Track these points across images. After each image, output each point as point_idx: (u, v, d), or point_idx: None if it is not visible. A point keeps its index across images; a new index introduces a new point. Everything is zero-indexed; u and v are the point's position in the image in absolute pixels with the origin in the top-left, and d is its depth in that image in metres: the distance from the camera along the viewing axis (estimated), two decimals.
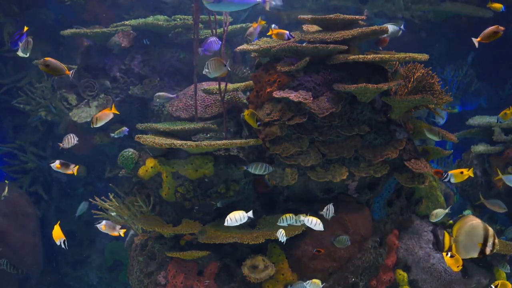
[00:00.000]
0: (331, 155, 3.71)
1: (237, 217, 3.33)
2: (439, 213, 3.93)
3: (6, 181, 5.12)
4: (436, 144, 5.00)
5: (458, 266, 3.24)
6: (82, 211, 5.41)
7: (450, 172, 3.57)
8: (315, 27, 4.14)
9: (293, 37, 3.83)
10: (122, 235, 3.68)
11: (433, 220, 3.98)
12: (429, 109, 4.16)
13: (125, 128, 4.64)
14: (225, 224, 3.36)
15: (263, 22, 4.06)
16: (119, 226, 3.69)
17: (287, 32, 3.83)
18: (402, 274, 3.95)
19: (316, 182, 3.79)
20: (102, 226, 3.65)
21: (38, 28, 5.82)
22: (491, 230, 2.83)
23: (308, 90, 3.67)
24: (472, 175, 3.61)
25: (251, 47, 3.98)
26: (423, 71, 3.92)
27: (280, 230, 3.44)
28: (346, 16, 3.91)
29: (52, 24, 5.94)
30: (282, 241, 3.43)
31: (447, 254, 3.28)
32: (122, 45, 5.42)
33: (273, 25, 4.32)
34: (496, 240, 2.82)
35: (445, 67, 6.74)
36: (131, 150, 4.16)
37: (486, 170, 5.20)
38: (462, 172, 3.58)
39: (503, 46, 6.69)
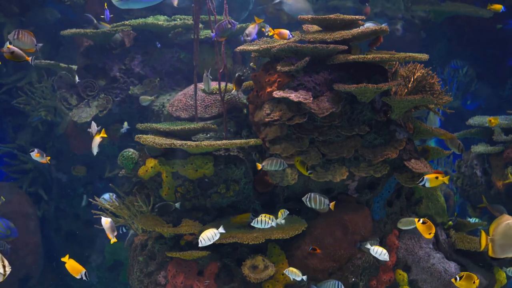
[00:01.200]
0: (331, 155, 3.71)
1: (209, 236, 3.37)
2: (408, 222, 3.84)
3: (2, 197, 5.15)
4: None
5: (430, 233, 3.26)
6: (87, 202, 5.47)
7: (426, 177, 3.56)
8: (315, 27, 4.14)
9: (293, 37, 3.83)
10: (111, 242, 3.67)
11: (401, 226, 3.87)
12: (429, 109, 4.16)
13: (126, 123, 4.95)
14: (199, 245, 3.39)
15: (261, 21, 4.07)
16: (116, 233, 3.70)
17: (288, 31, 3.83)
18: (402, 274, 3.95)
19: (316, 182, 3.79)
20: (106, 220, 3.63)
21: (39, 28, 5.81)
22: None
23: (308, 90, 3.67)
24: (447, 182, 3.60)
25: (251, 47, 3.98)
26: (423, 71, 3.92)
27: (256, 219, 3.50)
28: (346, 16, 3.91)
29: (52, 24, 5.93)
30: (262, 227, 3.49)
31: (419, 221, 3.31)
32: (126, 45, 5.44)
33: (266, 25, 4.35)
34: None
35: (445, 67, 6.74)
36: (131, 150, 4.16)
37: (486, 170, 5.20)
38: (437, 177, 3.57)
39: (503, 46, 6.71)
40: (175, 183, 3.93)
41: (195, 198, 3.93)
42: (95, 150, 4.06)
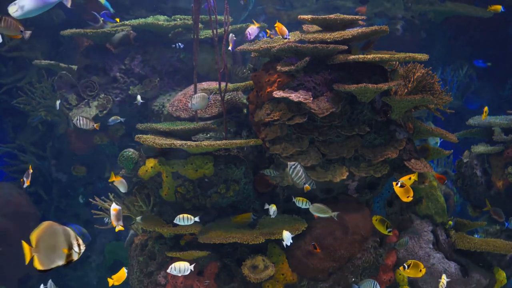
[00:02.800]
0: (331, 155, 3.71)
1: (181, 268, 3.43)
2: (320, 209, 3.69)
3: None
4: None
5: (408, 197, 3.27)
6: (84, 200, 5.48)
7: (400, 180, 3.55)
8: (315, 27, 4.14)
9: (288, 37, 3.84)
10: (116, 230, 3.65)
11: (312, 211, 3.70)
12: (429, 109, 4.16)
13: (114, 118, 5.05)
14: (169, 271, 3.43)
15: (258, 25, 4.09)
16: (121, 222, 3.67)
17: (287, 32, 3.84)
18: (402, 274, 3.95)
19: (316, 182, 3.79)
20: (115, 208, 3.61)
21: (40, 28, 5.82)
22: None
23: (308, 90, 3.67)
24: (416, 178, 3.59)
25: (251, 47, 3.98)
26: (423, 71, 3.92)
27: (285, 232, 3.50)
28: (346, 16, 3.92)
29: (57, 25, 5.93)
30: (286, 244, 3.49)
31: (397, 184, 3.31)
32: (131, 42, 5.44)
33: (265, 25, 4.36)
34: None
35: (445, 67, 6.74)
36: (131, 150, 4.16)
37: (486, 170, 5.20)
38: (410, 178, 3.58)
39: (503, 46, 6.71)
40: (175, 183, 3.93)
41: (195, 198, 3.93)
42: (122, 188, 3.96)
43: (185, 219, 3.59)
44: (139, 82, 5.37)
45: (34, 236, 2.31)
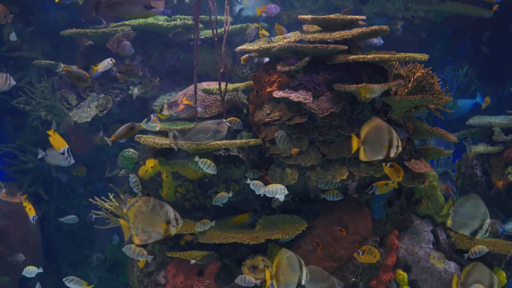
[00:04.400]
0: (331, 155, 3.71)
1: (137, 252, 3.42)
2: (277, 190, 3.69)
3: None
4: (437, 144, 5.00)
5: (398, 176, 3.28)
6: (88, 202, 5.50)
7: (375, 184, 3.56)
8: (315, 27, 4.14)
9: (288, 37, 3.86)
10: (124, 212, 3.68)
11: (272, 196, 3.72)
12: (429, 109, 4.16)
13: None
14: (123, 249, 3.42)
15: (258, 25, 4.10)
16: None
17: (287, 31, 3.85)
18: (402, 274, 3.95)
19: (317, 182, 3.79)
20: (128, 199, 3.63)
21: (39, 28, 5.82)
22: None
23: (308, 90, 3.67)
24: (396, 186, 3.61)
25: (251, 47, 3.98)
26: (423, 71, 3.92)
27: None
28: (346, 16, 3.92)
29: (53, 24, 5.93)
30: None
31: (386, 165, 3.31)
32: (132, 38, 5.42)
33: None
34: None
35: (445, 67, 6.74)
36: (131, 150, 4.16)
37: (486, 170, 5.20)
38: (387, 184, 3.58)
39: (503, 46, 6.71)
40: (175, 183, 3.93)
41: (195, 198, 3.93)
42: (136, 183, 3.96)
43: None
44: (139, 82, 5.37)
45: (131, 213, 2.32)
